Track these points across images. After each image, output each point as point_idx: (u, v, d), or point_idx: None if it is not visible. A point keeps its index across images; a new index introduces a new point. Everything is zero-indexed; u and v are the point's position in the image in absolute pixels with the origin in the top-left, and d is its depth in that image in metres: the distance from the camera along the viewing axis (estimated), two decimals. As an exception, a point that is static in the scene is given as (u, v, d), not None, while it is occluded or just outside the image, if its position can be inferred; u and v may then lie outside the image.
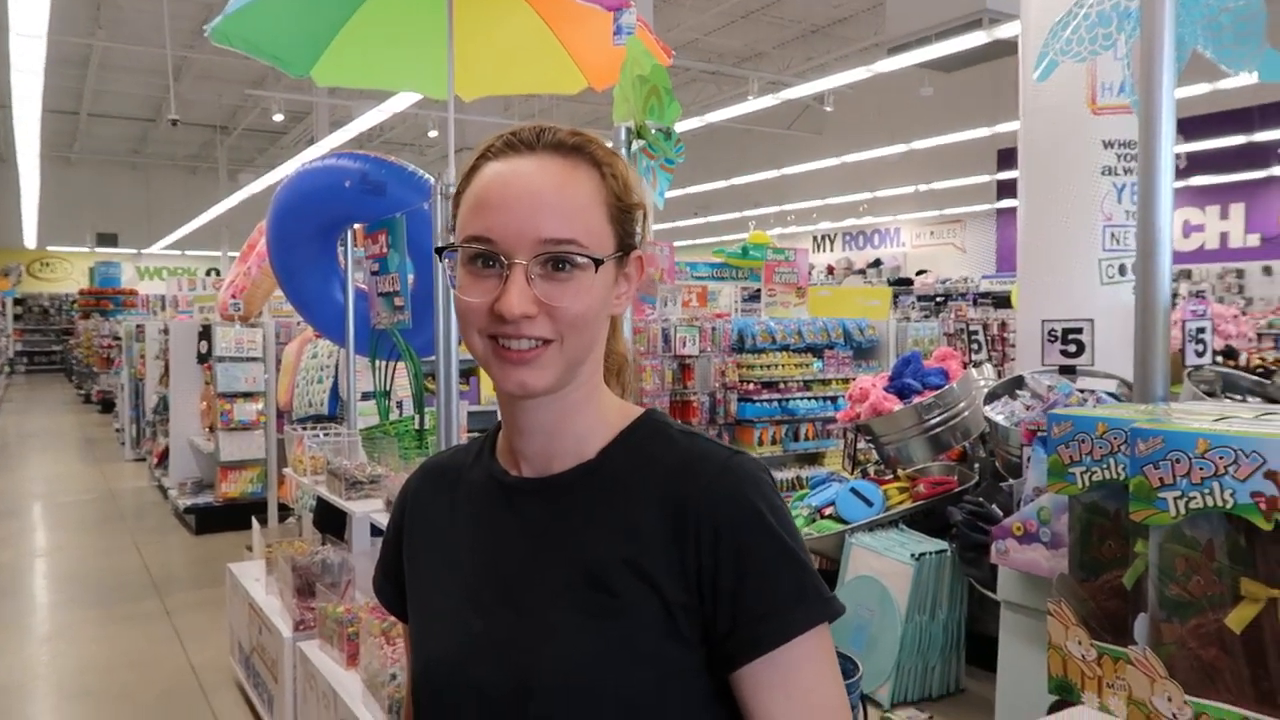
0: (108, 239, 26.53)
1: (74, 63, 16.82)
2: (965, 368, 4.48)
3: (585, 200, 0.89)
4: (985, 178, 17.72)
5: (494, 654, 0.91)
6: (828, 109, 15.28)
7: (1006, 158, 16.88)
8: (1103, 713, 1.17)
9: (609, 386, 1.02)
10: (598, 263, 0.88)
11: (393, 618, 2.75)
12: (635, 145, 2.41)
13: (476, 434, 3.96)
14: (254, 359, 7.13)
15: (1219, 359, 3.66)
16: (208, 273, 22.35)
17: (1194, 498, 1.00)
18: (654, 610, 0.86)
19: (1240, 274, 14.27)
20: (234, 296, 7.11)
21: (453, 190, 3.19)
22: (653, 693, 0.86)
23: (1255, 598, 0.98)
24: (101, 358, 16.54)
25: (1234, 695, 1.00)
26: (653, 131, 2.45)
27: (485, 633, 0.92)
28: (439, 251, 0.95)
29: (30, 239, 25.22)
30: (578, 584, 0.89)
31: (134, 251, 27.16)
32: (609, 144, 0.95)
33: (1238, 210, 14.94)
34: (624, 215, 0.93)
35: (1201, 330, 2.81)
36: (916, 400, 4.12)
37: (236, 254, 7.95)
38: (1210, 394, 2.70)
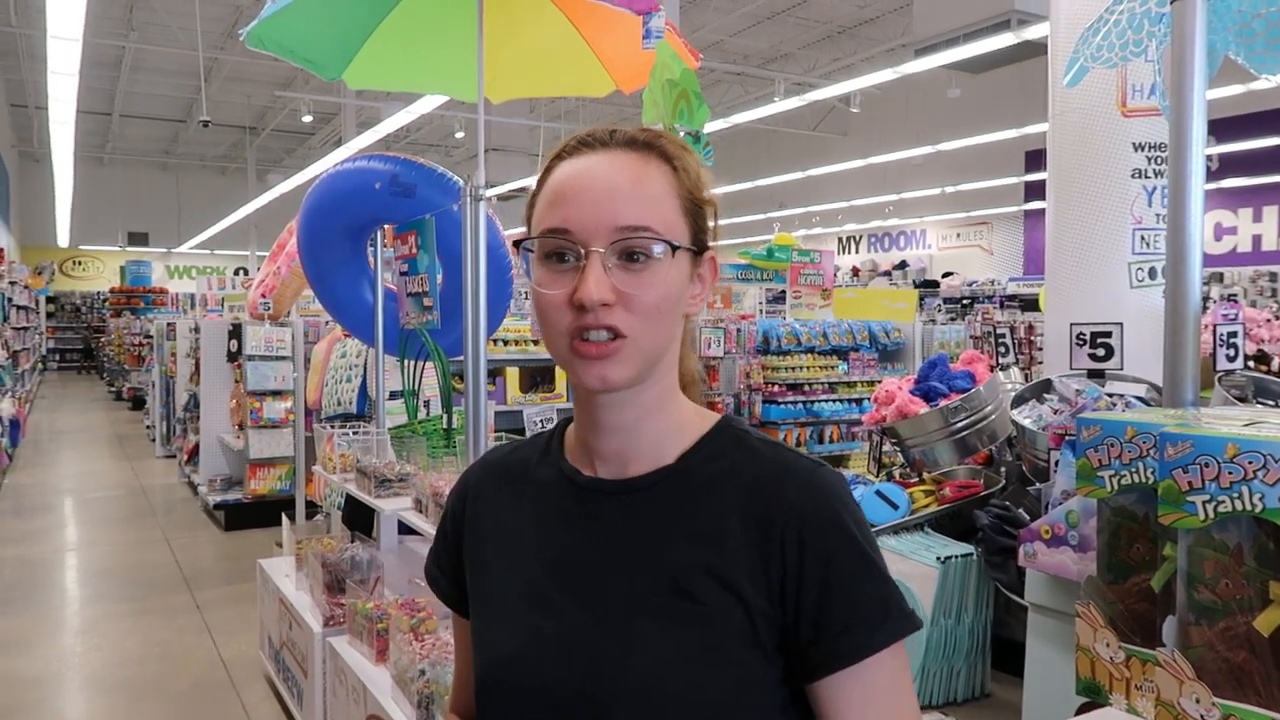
0: (139, 238, 26.89)
1: (107, 64, 17.08)
2: (992, 371, 4.45)
3: (659, 191, 0.90)
4: (1013, 179, 17.60)
5: (567, 658, 0.89)
6: (854, 110, 15.24)
7: (1035, 159, 16.75)
8: (1131, 714, 1.18)
9: None
10: (674, 248, 0.88)
11: (421, 614, 2.79)
12: (664, 148, 2.43)
13: (503, 434, 3.99)
14: (283, 358, 7.20)
15: (1251, 364, 3.63)
16: (236, 272, 22.60)
17: (1223, 501, 1.01)
18: (738, 619, 0.86)
19: (1274, 277, 14.08)
20: (263, 296, 7.19)
21: (482, 193, 3.20)
22: (732, 702, 0.86)
23: (1284, 602, 0.99)
24: (132, 355, 16.75)
25: (1262, 698, 1.01)
26: (681, 135, 2.47)
27: (557, 636, 0.91)
28: (516, 245, 0.95)
29: (63, 238, 25.63)
30: (659, 590, 0.88)
31: (164, 250, 27.50)
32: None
33: (1271, 213, 14.76)
34: (697, 210, 0.93)
35: (1233, 334, 2.79)
36: (943, 403, 4.10)
37: (265, 253, 8.04)
38: (1242, 399, 2.68)
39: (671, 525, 0.91)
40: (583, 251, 0.87)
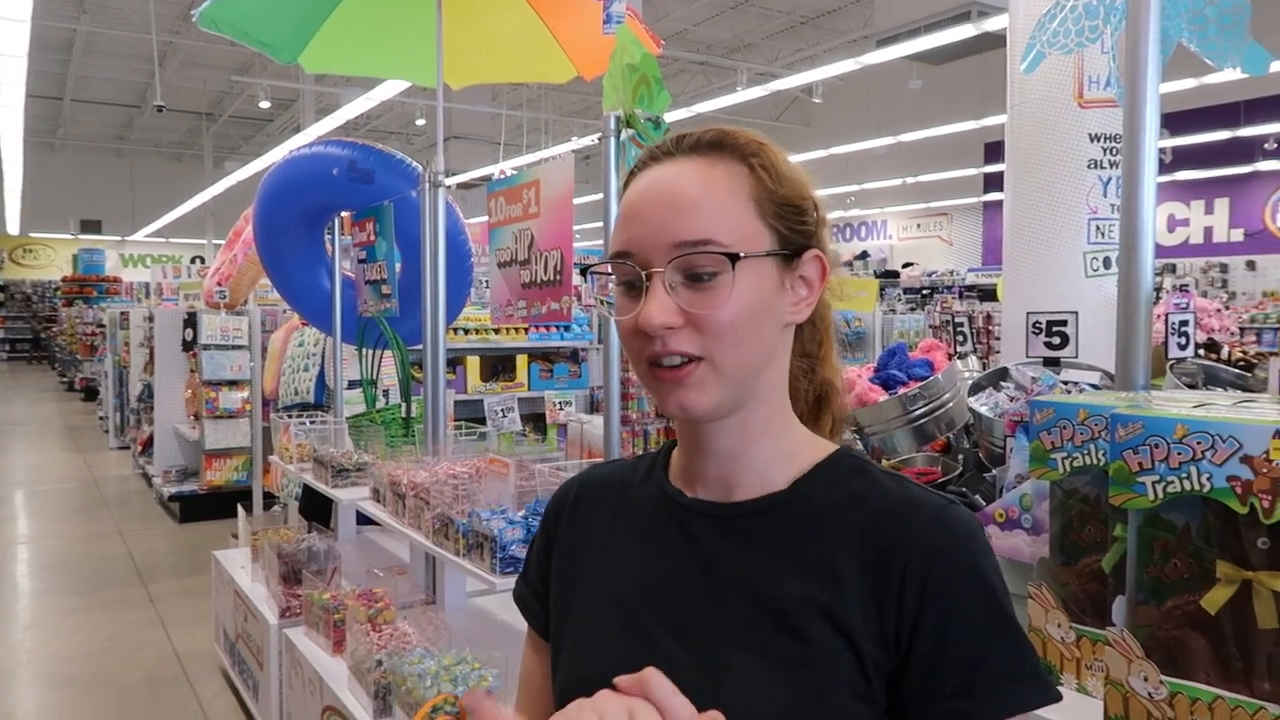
0: (91, 226, 26.34)
1: (58, 48, 16.67)
2: (950, 359, 4.49)
3: (724, 196, 0.82)
4: (972, 171, 17.79)
5: None
6: (816, 100, 15.28)
7: (993, 151, 16.95)
8: (1081, 694, 1.19)
9: (819, 417, 0.95)
10: (734, 259, 0.79)
11: (379, 605, 2.76)
12: (624, 134, 2.41)
13: (463, 423, 3.94)
14: (239, 347, 7.11)
15: (1201, 352, 3.69)
16: (192, 260, 22.21)
17: (1172, 482, 1.02)
18: (849, 665, 0.78)
19: (1224, 268, 14.41)
20: (219, 284, 7.08)
21: (441, 179, 3.16)
22: None
23: (1230, 579, 1.00)
24: (85, 345, 16.45)
25: (1209, 676, 1.02)
26: (642, 120, 2.45)
27: (646, 664, 0.81)
28: (583, 273, 0.88)
29: (13, 225, 25.02)
30: (763, 624, 0.81)
31: (118, 238, 26.97)
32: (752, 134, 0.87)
33: (1222, 205, 15.06)
34: (783, 209, 0.84)
35: (1185, 323, 2.84)
36: (902, 391, 4.13)
37: (221, 242, 7.92)
38: (1192, 386, 2.73)
39: (781, 556, 0.83)
40: (644, 275, 0.80)
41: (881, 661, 0.78)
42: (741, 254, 0.79)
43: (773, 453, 0.87)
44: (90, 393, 15.68)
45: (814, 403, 0.95)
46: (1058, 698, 0.78)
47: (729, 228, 0.80)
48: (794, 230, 0.85)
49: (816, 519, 0.84)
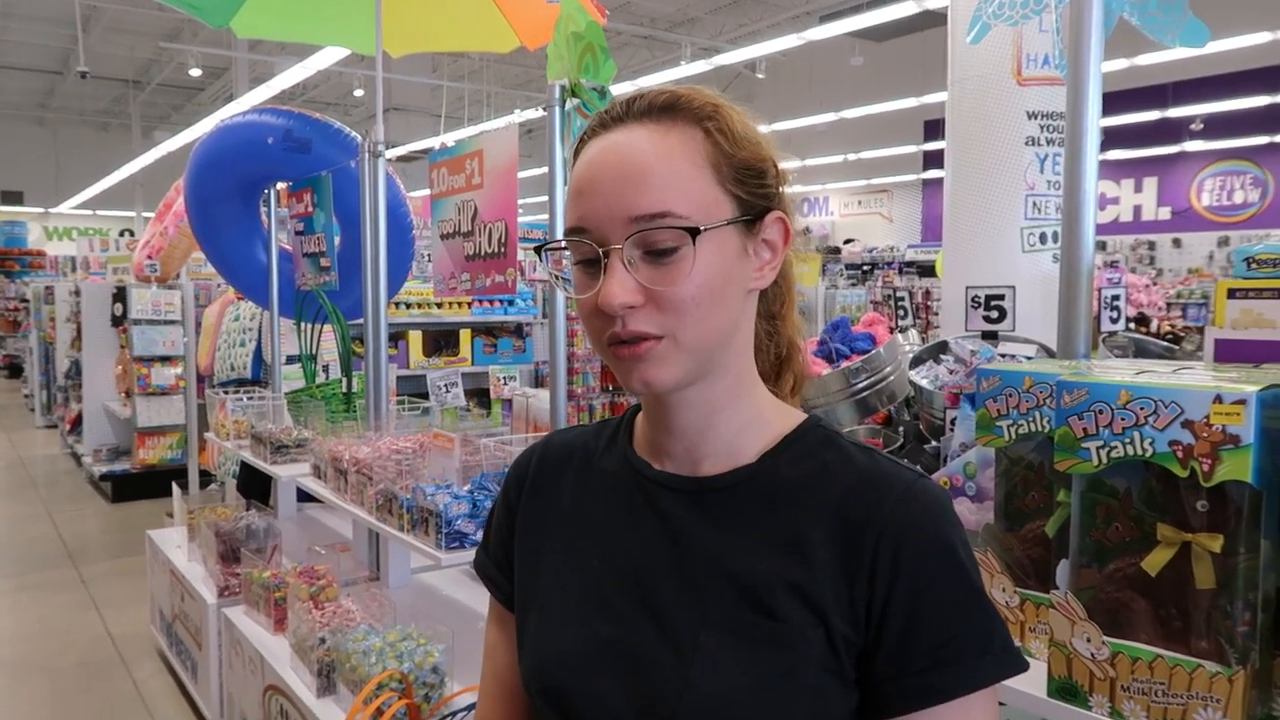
0: (12, 197, 25.33)
1: (-28, 9, 15.94)
2: (892, 333, 4.55)
3: (681, 164, 0.78)
4: (913, 148, 17.98)
5: (624, 666, 0.81)
6: (760, 76, 15.30)
7: (933, 128, 17.14)
8: (1025, 656, 1.22)
9: (780, 376, 0.93)
10: (693, 233, 0.76)
11: (321, 582, 2.72)
12: (570, 104, 2.38)
13: (405, 398, 3.87)
14: (172, 321, 6.92)
15: (1132, 325, 3.80)
16: (121, 233, 21.52)
17: (1115, 447, 1.04)
18: (820, 642, 0.77)
19: (1152, 246, 14.82)
20: (150, 257, 6.87)
21: (381, 149, 3.09)
22: None
23: (1170, 542, 1.03)
24: (7, 321, 15.93)
25: (1149, 636, 1.05)
26: (587, 89, 2.42)
27: (615, 641, 0.83)
28: (538, 251, 0.85)
29: (-73, 196, 23.97)
30: (733, 602, 0.79)
31: (41, 211, 26.00)
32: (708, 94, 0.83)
33: (1151, 184, 15.45)
34: (743, 173, 0.81)
35: (1116, 298, 2.92)
36: (845, 364, 4.18)
37: (151, 214, 7.69)
38: (1123, 358, 2.80)
39: (750, 532, 0.82)
40: (601, 252, 0.77)
41: (851, 637, 0.77)
42: (702, 227, 0.76)
43: (740, 421, 0.85)
44: (14, 370, 15.20)
45: (775, 362, 0.94)
46: (1025, 667, 0.79)
47: (687, 198, 0.77)
48: (754, 194, 0.82)
49: (786, 493, 0.82)
